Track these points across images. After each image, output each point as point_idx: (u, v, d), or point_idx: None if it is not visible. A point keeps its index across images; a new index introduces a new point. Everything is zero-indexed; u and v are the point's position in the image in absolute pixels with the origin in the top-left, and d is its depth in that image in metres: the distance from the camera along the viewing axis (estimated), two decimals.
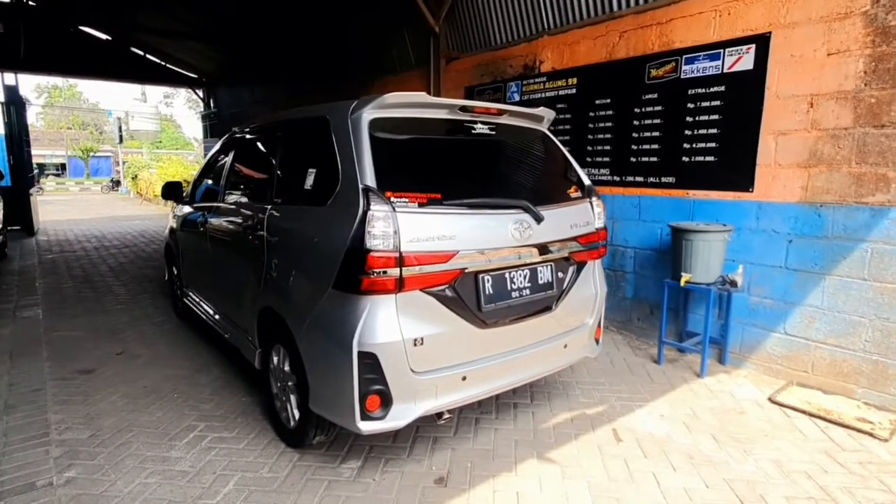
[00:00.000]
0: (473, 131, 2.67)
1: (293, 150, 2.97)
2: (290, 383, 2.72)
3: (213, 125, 15.64)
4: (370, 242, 2.14)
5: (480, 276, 2.45)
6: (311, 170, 2.64)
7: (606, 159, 4.72)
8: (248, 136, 3.75)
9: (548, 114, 3.06)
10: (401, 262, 2.18)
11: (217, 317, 3.87)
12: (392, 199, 2.21)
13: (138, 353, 4.17)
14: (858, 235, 3.25)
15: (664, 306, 3.91)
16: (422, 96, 2.46)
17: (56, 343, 4.39)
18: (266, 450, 2.77)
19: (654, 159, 4.34)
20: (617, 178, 4.64)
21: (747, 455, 2.74)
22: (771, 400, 3.34)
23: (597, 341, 3.15)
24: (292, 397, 2.71)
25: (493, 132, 2.76)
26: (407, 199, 2.25)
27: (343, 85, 8.61)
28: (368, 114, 2.41)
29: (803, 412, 3.17)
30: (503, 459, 2.68)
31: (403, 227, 2.20)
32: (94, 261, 8.19)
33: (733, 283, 3.63)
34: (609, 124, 4.68)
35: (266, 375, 3.00)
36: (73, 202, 22.48)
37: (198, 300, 4.35)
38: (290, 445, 2.78)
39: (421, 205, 2.28)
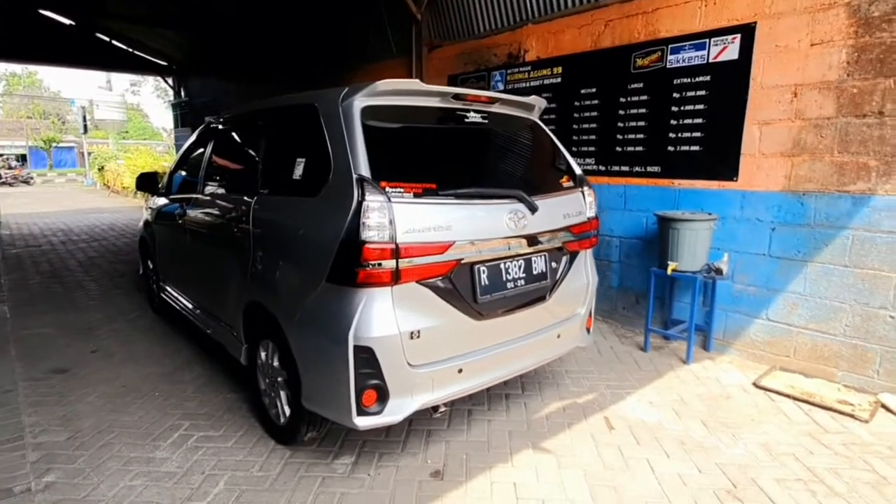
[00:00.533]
0: (466, 120, 2.62)
1: (279, 139, 2.87)
2: (279, 379, 2.64)
3: (185, 114, 15.18)
4: (365, 234, 2.08)
5: (476, 266, 2.41)
6: (299, 159, 2.56)
7: (592, 149, 4.72)
8: (228, 125, 3.62)
9: (539, 102, 3.03)
10: (397, 253, 2.12)
11: (198, 312, 3.75)
12: (387, 189, 2.15)
13: (114, 351, 4.02)
14: (840, 223, 3.32)
15: (651, 295, 3.95)
16: (415, 83, 2.39)
17: (25, 341, 4.20)
18: (255, 447, 2.69)
19: (639, 149, 4.36)
20: (602, 168, 4.64)
21: (736, 439, 2.78)
22: (756, 385, 3.40)
23: (588, 331, 3.16)
24: (282, 393, 2.64)
25: (486, 121, 2.71)
26: (402, 190, 2.19)
27: (320, 74, 8.42)
28: (360, 101, 2.33)
29: (787, 396, 3.24)
30: (498, 451, 2.67)
31: (399, 217, 2.14)
32: (61, 255, 7.87)
33: (718, 271, 3.68)
34: (594, 114, 4.68)
35: (253, 371, 2.92)
36: (35, 195, 21.63)
37: (176, 295, 4.22)
38: (281, 442, 2.71)
39: (416, 195, 2.22)
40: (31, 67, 45.67)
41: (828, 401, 3.14)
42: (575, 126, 4.82)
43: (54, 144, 41.93)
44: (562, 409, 3.12)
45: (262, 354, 2.78)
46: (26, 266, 7.09)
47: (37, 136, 41.90)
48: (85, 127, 31.42)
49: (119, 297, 5.56)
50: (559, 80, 4.93)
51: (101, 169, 23.97)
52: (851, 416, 2.99)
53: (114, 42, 13.75)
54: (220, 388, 3.38)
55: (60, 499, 2.28)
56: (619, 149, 4.51)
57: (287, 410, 2.63)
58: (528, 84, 5.20)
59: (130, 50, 14.29)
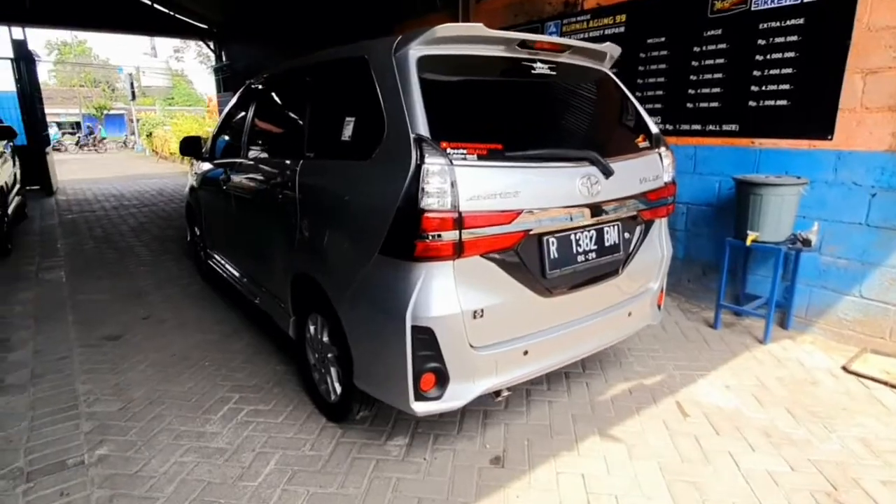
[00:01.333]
0: (533, 71, 2.32)
1: (326, 96, 2.65)
2: (329, 355, 2.50)
3: (227, 79, 15.16)
4: (425, 201, 1.85)
5: (545, 238, 2.16)
6: (348, 119, 2.33)
7: (658, 105, 4.29)
8: (271, 84, 3.43)
9: (612, 50, 2.68)
10: (460, 223, 1.89)
11: (245, 281, 3.67)
12: (448, 150, 1.91)
13: (165, 318, 4.02)
14: None
15: (724, 267, 3.60)
16: (479, 28, 2.10)
17: (81, 307, 4.26)
18: (306, 425, 2.59)
19: (714, 104, 3.92)
20: (669, 127, 4.22)
21: (829, 432, 2.49)
22: (845, 369, 3.06)
23: (658, 307, 2.88)
24: (332, 370, 2.51)
25: (553, 72, 2.40)
26: (465, 151, 1.94)
27: (361, 31, 8.08)
28: (415, 51, 2.07)
29: (884, 383, 2.89)
30: (562, 437, 2.47)
31: (462, 183, 1.89)
32: (114, 221, 8.04)
33: (806, 242, 3.29)
34: (662, 66, 4.23)
35: (302, 345, 2.79)
36: (88, 161, 22.36)
37: (223, 263, 4.15)
38: (332, 420, 2.60)
39: (480, 157, 1.97)
40: (81, 35, 46.85)
41: None
42: (640, 81, 4.39)
43: (105, 111, 43.16)
44: (628, 391, 2.88)
45: (311, 328, 2.65)
46: (81, 231, 7.27)
47: (89, 104, 43.19)
48: (133, 94, 32.08)
49: (169, 262, 5.60)
50: (622, 29, 4.47)
51: (149, 135, 24.53)
52: None
53: (155, 5, 13.71)
54: (268, 358, 3.30)
55: (113, 473, 2.24)
56: (689, 105, 4.08)
57: (338, 388, 2.50)
58: (586, 36, 4.76)
59: (172, 13, 14.24)
